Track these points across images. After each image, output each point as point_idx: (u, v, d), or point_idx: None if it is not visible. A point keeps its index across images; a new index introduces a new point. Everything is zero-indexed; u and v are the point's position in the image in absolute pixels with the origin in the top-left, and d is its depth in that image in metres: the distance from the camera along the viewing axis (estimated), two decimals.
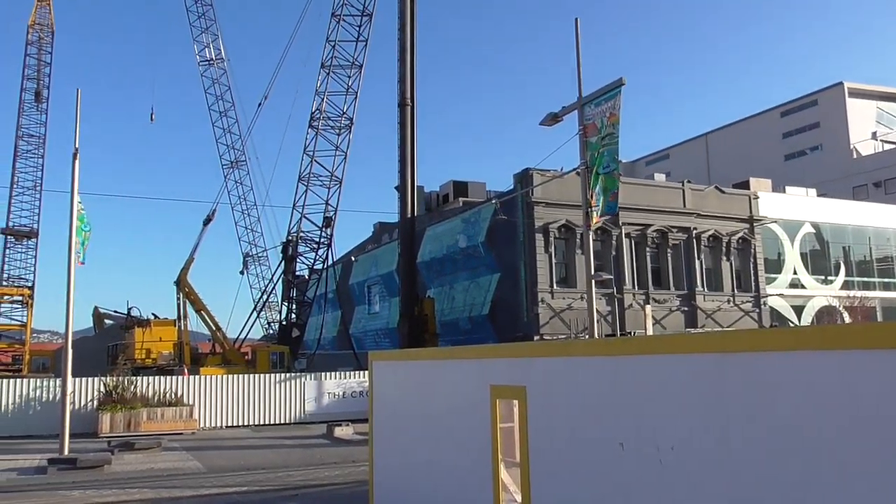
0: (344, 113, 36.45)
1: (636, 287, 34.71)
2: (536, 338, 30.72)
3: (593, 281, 17.38)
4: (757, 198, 39.14)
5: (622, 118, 16.86)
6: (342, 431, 23.18)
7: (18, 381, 26.37)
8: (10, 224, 46.31)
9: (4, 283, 45.61)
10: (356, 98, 36.36)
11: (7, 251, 46.25)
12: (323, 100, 36.34)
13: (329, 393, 28.86)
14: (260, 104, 42.90)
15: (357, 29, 36.23)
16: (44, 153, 47.89)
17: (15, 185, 46.56)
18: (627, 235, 34.57)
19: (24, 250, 46.75)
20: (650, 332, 27.28)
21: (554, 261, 33.02)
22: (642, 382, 5.67)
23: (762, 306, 37.73)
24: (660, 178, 42.70)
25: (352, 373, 30.18)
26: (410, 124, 30.50)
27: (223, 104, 53.33)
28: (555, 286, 32.72)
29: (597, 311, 17.32)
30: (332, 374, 29.74)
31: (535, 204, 32.62)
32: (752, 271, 37.99)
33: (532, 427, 6.96)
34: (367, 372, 29.13)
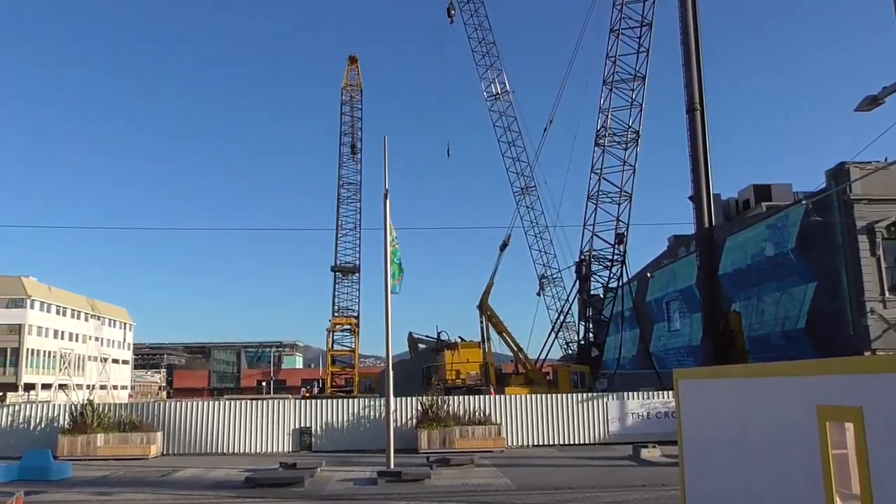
0: (630, 127, 35.83)
1: None
2: (867, 353, 27.02)
3: None
4: None
5: None
6: (649, 453, 22.39)
7: (350, 400, 29.64)
8: (338, 262, 52.65)
9: (336, 314, 51.85)
10: (641, 110, 35.58)
11: (336, 286, 52.58)
12: (607, 116, 36.10)
13: (633, 413, 28.15)
14: (545, 129, 43.89)
15: (637, 40, 35.55)
16: (360, 197, 53.97)
17: (340, 228, 52.95)
18: None
19: (349, 284, 52.84)
20: None
21: (883, 265, 28.91)
22: None
23: None
24: None
25: (655, 393, 29.14)
26: (701, 130, 28.88)
27: (511, 135, 55.59)
28: (887, 294, 28.60)
29: None
30: (635, 394, 28.96)
31: (855, 202, 28.93)
32: None
33: (873, 454, 6.00)
34: (671, 392, 27.96)
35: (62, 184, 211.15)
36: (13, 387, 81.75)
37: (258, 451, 27.21)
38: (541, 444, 27.78)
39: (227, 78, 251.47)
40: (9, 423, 27.14)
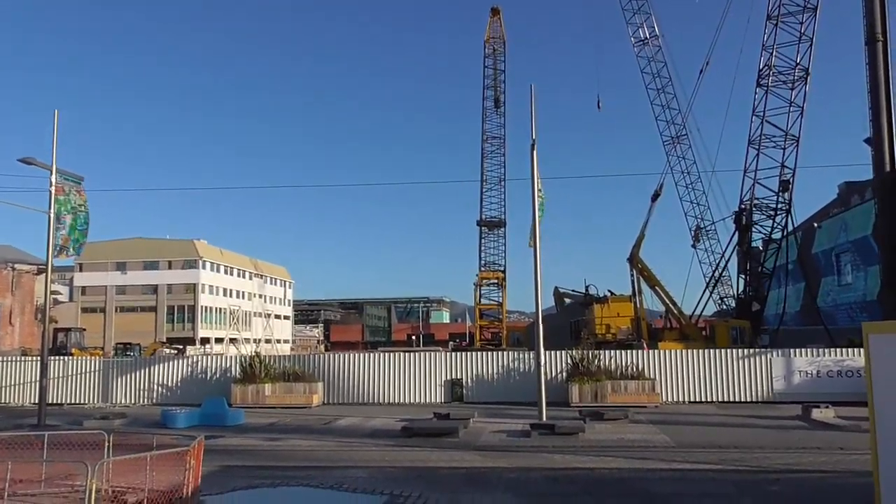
0: (798, 64, 32.97)
1: None
2: None
3: None
4: None
5: None
6: (821, 414, 20.88)
7: (500, 353, 29.81)
8: (483, 216, 52.81)
9: (483, 268, 52.21)
10: (811, 45, 32.58)
11: (482, 240, 52.85)
12: (771, 54, 33.40)
13: (800, 371, 26.37)
14: (701, 71, 41.31)
15: None
16: (504, 151, 53.56)
17: (484, 182, 52.95)
18: None
19: (495, 238, 52.91)
20: None
21: None
22: None
23: None
24: None
25: (826, 350, 27.13)
26: (884, 63, 25.98)
27: (660, 81, 52.93)
28: None
29: None
30: (803, 350, 27.06)
31: None
32: None
33: None
34: (844, 349, 25.96)
35: (228, 151, 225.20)
36: (191, 341, 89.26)
37: (411, 401, 28.02)
38: (697, 400, 26.74)
39: (370, 40, 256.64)
40: (189, 373, 29.57)
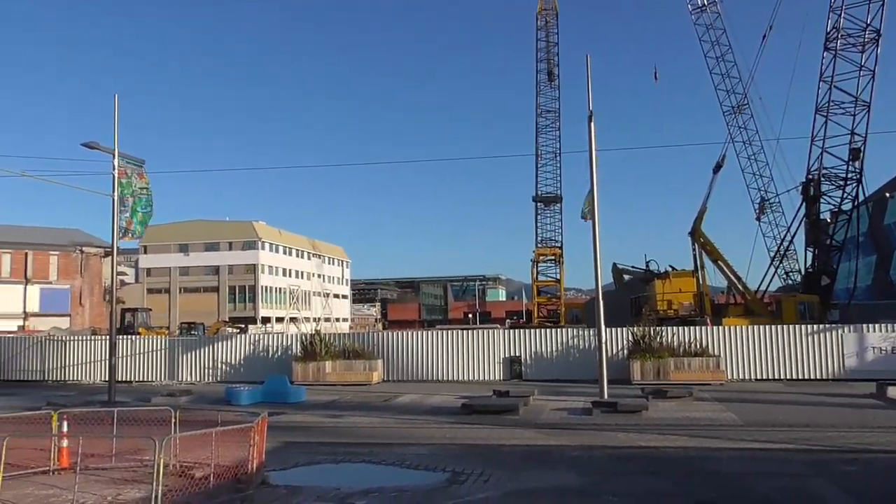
0: (868, 25, 31.36)
1: None
2: None
3: None
4: None
5: None
6: None
7: (559, 330, 29.50)
8: (539, 192, 52.21)
9: (539, 244, 51.69)
10: (883, 4, 30.91)
11: (538, 216, 52.29)
12: (839, 16, 31.88)
13: (873, 347, 25.37)
14: (764, 37, 39.86)
15: None
16: (559, 125, 52.70)
17: (540, 157, 52.26)
18: None
19: (551, 214, 52.28)
20: None
21: None
22: None
23: None
24: None
25: None
26: None
27: (719, 49, 51.35)
28: None
29: None
30: (876, 326, 25.99)
31: None
32: None
33: None
34: None
35: (283, 131, 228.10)
36: (252, 320, 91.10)
37: (470, 378, 27.99)
38: (764, 378, 26.01)
39: (422, 11, 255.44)
40: (251, 351, 30.14)
